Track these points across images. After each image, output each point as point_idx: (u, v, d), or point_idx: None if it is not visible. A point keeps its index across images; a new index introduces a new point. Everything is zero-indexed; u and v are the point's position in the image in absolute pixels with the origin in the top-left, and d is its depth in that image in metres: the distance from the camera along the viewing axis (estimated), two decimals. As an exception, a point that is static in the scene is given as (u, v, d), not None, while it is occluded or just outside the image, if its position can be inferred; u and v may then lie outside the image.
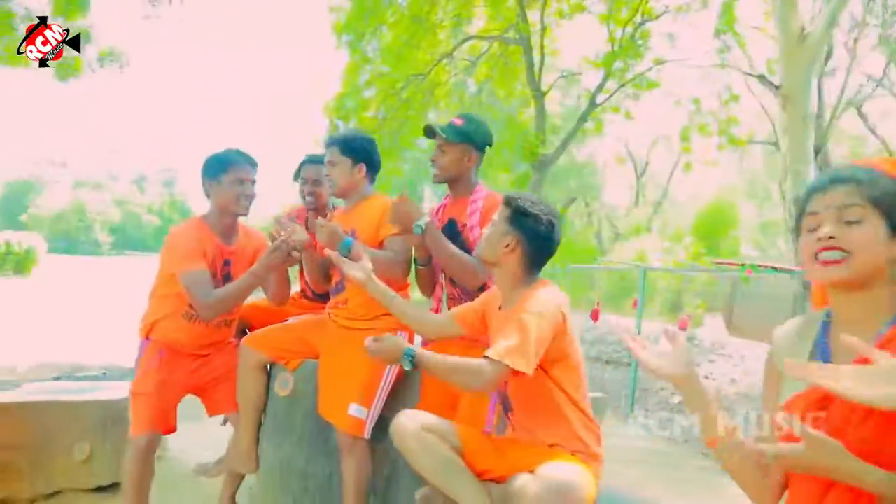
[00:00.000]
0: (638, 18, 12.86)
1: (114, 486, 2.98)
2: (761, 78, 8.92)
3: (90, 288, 19.63)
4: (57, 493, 2.92)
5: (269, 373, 2.66)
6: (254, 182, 2.67)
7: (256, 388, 2.58)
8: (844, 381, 0.99)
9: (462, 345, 2.26)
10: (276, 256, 2.46)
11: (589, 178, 31.51)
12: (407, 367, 1.82)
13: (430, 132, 2.48)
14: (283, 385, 2.54)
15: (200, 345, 2.68)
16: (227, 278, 2.63)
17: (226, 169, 2.60)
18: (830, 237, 1.16)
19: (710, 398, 1.26)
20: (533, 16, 12.82)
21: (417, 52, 14.05)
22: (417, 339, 2.49)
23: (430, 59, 14.34)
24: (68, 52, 8.60)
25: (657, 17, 13.25)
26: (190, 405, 2.78)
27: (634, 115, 14.84)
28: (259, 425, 2.64)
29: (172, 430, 2.62)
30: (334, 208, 2.84)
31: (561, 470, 1.64)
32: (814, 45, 8.25)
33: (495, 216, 2.00)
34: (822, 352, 1.21)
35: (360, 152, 2.52)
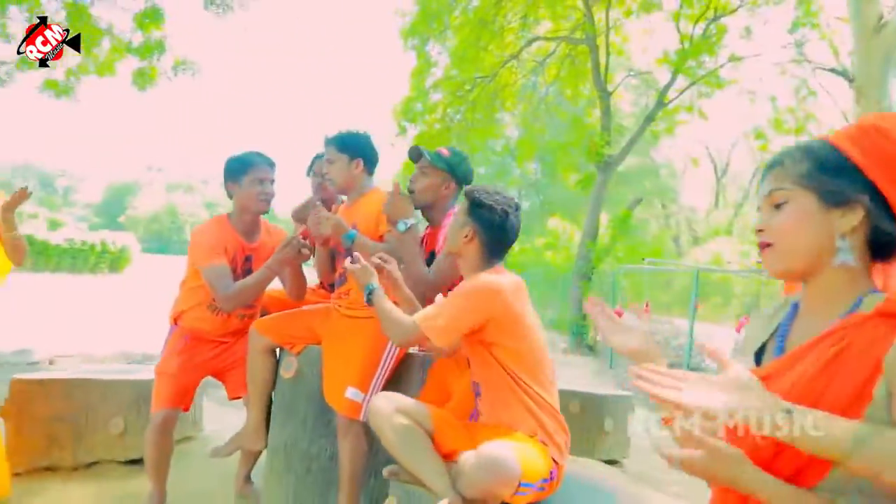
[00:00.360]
0: (710, 14, 12.45)
1: (145, 460, 3.23)
2: (833, 71, 8.47)
3: (176, 285, 20.72)
4: (95, 463, 3.18)
5: (278, 356, 2.81)
6: (272, 181, 2.84)
7: (263, 370, 2.72)
8: (689, 391, 0.95)
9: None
10: (287, 251, 2.62)
11: (667, 179, 30.70)
12: (365, 301, 2.04)
13: (416, 154, 2.58)
14: (287, 368, 2.68)
15: (222, 333, 2.86)
16: (247, 273, 2.78)
17: (246, 170, 2.76)
18: (759, 230, 1.12)
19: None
20: (601, 15, 12.63)
21: (484, 54, 14.13)
22: None
23: (497, 61, 14.39)
24: (146, 62, 9.16)
25: (733, 11, 12.79)
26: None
27: (711, 115, 14.40)
28: (269, 405, 2.79)
29: (188, 408, 2.82)
30: (342, 202, 2.97)
31: (498, 446, 1.68)
32: (891, 34, 7.77)
33: (457, 209, 2.08)
34: (781, 336, 1.16)
35: (356, 148, 2.63)
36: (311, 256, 2.80)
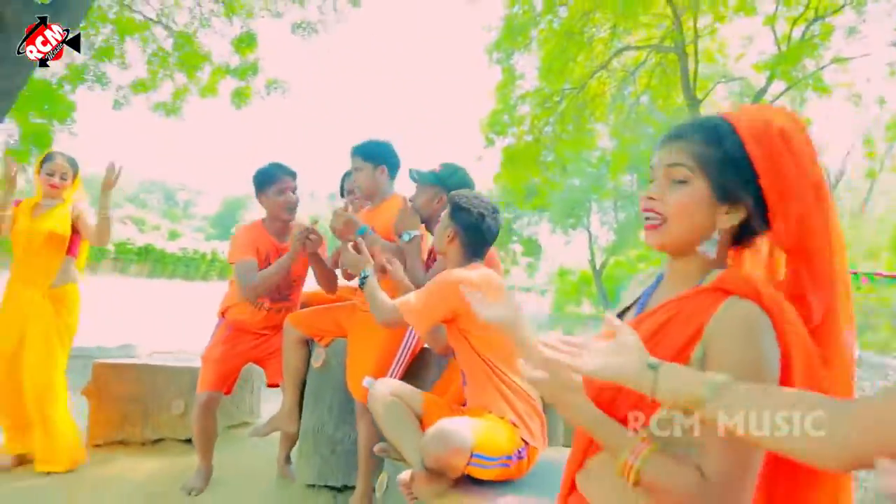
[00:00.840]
0: (811, 15, 11.87)
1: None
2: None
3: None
4: (160, 440, 3.57)
5: (309, 347, 3.06)
6: (294, 189, 3.14)
7: (296, 359, 2.98)
8: (585, 357, 1.00)
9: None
10: (295, 242, 2.88)
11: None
12: (360, 284, 2.26)
13: (412, 175, 2.80)
14: (316, 358, 2.93)
15: (263, 326, 3.17)
16: None
17: (271, 182, 3.07)
18: (651, 197, 1.12)
19: (534, 344, 1.19)
20: (690, 23, 12.32)
21: (573, 64, 14.09)
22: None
23: (587, 72, 14.30)
24: (243, 83, 9.84)
25: (837, 11, 12.11)
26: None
27: (822, 122, 13.64)
28: (302, 392, 3.04)
29: (229, 392, 3.12)
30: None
31: (453, 420, 1.83)
32: None
33: (443, 213, 2.26)
34: (641, 303, 1.22)
35: (379, 156, 2.86)
36: (321, 244, 3.01)
